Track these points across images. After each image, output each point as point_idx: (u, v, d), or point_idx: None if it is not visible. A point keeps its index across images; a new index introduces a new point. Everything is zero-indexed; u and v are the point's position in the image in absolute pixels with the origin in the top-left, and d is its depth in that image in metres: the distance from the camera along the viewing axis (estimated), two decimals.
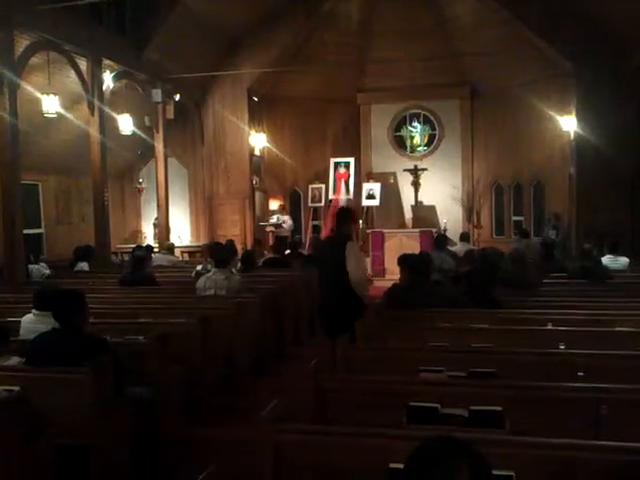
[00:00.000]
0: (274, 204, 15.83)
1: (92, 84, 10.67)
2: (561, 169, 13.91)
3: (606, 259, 8.03)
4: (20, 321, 4.93)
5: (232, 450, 4.50)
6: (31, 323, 4.79)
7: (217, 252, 7.43)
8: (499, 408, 2.87)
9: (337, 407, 3.24)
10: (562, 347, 3.98)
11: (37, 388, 3.55)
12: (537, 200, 15.07)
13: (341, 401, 3.24)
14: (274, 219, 14.98)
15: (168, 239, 13.29)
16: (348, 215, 5.80)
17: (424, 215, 15.56)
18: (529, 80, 14.11)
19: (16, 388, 3.56)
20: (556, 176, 14.18)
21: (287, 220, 15.09)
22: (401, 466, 1.66)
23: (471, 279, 5.49)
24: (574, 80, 12.83)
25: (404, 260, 5.60)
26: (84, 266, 10.14)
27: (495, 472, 1.65)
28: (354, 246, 5.33)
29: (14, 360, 4.01)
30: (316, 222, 16.32)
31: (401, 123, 16.58)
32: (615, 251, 8.28)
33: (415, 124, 16.52)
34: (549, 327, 4.59)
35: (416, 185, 15.62)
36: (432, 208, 15.78)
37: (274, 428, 2.61)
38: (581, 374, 3.39)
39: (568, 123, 13.11)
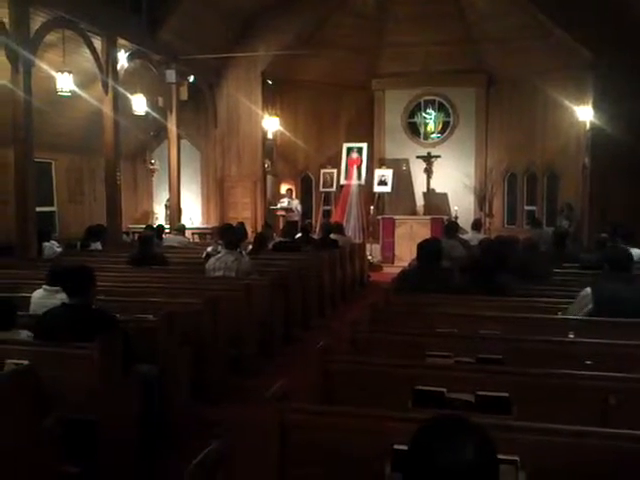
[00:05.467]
0: (285, 188, 15.81)
1: (106, 63, 10.66)
2: (575, 159, 13.77)
3: None
4: (31, 297, 4.98)
5: (238, 429, 4.53)
6: (41, 298, 4.83)
7: (227, 234, 7.42)
8: (506, 394, 2.85)
9: (343, 389, 3.24)
10: (571, 336, 3.96)
11: (46, 362, 3.57)
12: (550, 190, 14.94)
13: (347, 383, 3.24)
14: (284, 203, 14.95)
15: (179, 220, 13.32)
16: None
17: (436, 202, 15.51)
18: (546, 69, 13.92)
19: (25, 362, 3.59)
20: (570, 166, 14.04)
21: (296, 204, 15.08)
22: (405, 448, 1.66)
23: (477, 267, 5.48)
24: (591, 69, 12.66)
25: (419, 245, 5.69)
26: (97, 246, 10.19)
27: (500, 457, 1.64)
28: None
29: (23, 334, 4.05)
30: (327, 207, 16.30)
31: (415, 109, 16.44)
32: (628, 242, 8.20)
33: (429, 111, 16.37)
34: (559, 316, 4.56)
35: (428, 172, 15.54)
36: (444, 196, 15.71)
37: (279, 408, 2.61)
38: (589, 362, 3.37)
39: (584, 113, 12.95)
